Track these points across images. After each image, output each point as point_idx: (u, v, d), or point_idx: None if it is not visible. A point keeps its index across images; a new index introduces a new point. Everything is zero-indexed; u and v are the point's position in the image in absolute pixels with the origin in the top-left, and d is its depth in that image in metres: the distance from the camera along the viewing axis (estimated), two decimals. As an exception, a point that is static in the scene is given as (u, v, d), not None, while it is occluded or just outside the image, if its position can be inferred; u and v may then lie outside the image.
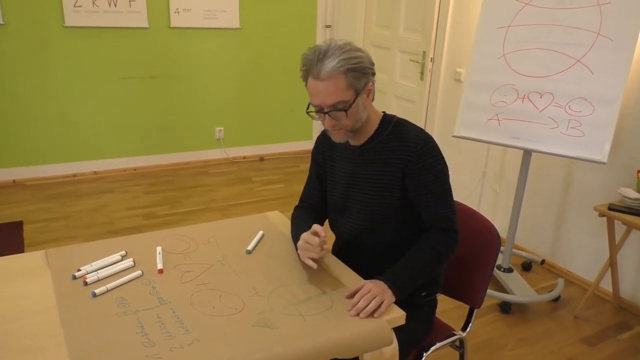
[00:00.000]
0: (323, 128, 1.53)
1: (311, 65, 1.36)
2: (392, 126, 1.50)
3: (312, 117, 1.45)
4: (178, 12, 4.24)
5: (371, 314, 1.29)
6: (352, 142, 1.54)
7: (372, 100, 1.51)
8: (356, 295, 1.33)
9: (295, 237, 1.55)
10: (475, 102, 2.69)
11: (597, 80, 2.34)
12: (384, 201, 1.50)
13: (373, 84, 1.46)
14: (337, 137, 1.47)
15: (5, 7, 3.69)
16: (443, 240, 1.47)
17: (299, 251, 1.47)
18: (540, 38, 2.50)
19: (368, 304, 1.29)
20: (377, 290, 1.33)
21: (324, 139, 1.65)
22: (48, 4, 3.81)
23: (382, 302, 1.31)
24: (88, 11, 3.92)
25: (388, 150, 1.48)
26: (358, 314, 1.28)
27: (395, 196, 1.49)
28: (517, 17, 2.57)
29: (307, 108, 1.45)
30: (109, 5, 3.97)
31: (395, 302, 1.35)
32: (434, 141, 1.47)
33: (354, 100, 1.39)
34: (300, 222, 1.61)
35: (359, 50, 1.39)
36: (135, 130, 4.41)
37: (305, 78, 1.42)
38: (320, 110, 1.41)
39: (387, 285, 1.36)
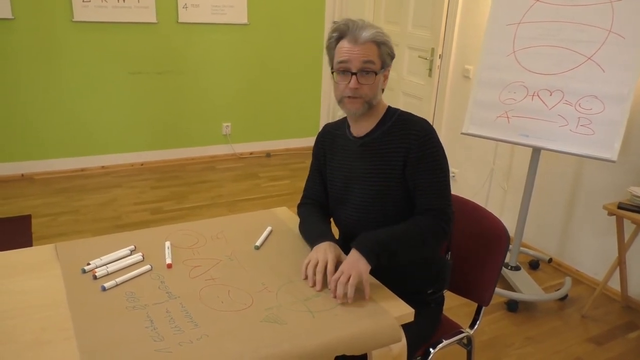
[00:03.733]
0: (327, 122, 1.53)
1: (347, 30, 1.43)
2: (396, 118, 1.52)
3: (334, 79, 1.48)
4: (186, 8, 4.24)
5: (363, 298, 1.30)
6: (355, 132, 1.55)
7: (382, 92, 1.53)
8: (331, 282, 1.33)
9: (309, 236, 1.54)
10: (484, 100, 2.68)
11: (608, 78, 2.32)
12: (383, 194, 1.50)
13: (389, 72, 1.52)
14: (353, 106, 1.47)
15: (14, 2, 3.70)
16: (430, 223, 1.43)
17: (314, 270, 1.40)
18: (550, 35, 2.48)
19: (345, 289, 1.29)
20: (347, 267, 1.33)
21: (323, 135, 1.67)
22: (57, -1, 3.83)
23: (360, 279, 1.31)
24: (97, 6, 3.93)
25: (390, 141, 1.49)
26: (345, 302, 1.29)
27: (395, 189, 1.49)
28: (528, 13, 2.55)
29: (332, 68, 1.49)
30: (118, 0, 3.98)
31: (402, 299, 1.34)
32: (437, 134, 1.49)
33: (379, 71, 1.46)
34: (310, 220, 1.60)
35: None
36: (143, 125, 4.43)
37: (333, 44, 1.47)
38: (347, 71, 1.44)
39: (358, 254, 1.35)
